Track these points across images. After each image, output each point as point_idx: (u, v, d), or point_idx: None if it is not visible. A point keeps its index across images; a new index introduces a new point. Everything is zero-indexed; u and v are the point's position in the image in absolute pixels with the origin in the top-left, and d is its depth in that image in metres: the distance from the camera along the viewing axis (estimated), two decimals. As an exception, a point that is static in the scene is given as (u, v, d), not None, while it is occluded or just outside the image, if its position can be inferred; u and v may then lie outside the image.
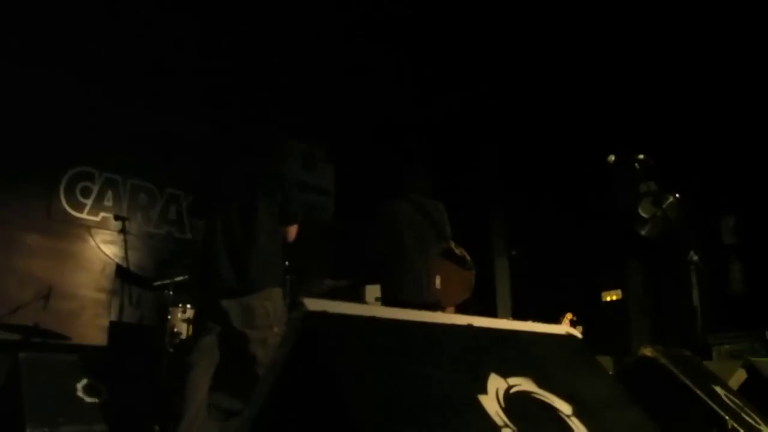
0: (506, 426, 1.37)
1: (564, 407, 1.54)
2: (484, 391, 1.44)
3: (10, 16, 5.92)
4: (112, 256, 6.71)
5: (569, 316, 5.92)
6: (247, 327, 3.58)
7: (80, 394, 4.58)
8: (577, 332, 1.86)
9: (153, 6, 6.10)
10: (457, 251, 4.64)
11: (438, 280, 4.51)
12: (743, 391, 2.87)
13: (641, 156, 4.77)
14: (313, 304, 1.40)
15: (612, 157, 4.77)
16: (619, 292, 7.42)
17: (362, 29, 6.67)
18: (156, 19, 6.28)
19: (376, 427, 1.19)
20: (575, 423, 1.51)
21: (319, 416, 1.28)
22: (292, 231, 3.95)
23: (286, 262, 6.28)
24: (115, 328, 6.09)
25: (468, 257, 4.67)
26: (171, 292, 5.80)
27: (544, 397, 1.54)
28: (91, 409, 4.35)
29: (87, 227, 6.72)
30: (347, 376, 1.29)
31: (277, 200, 3.82)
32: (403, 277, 4.54)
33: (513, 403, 1.45)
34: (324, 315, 1.40)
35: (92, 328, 6.38)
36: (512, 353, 1.65)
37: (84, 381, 4.58)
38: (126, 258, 6.30)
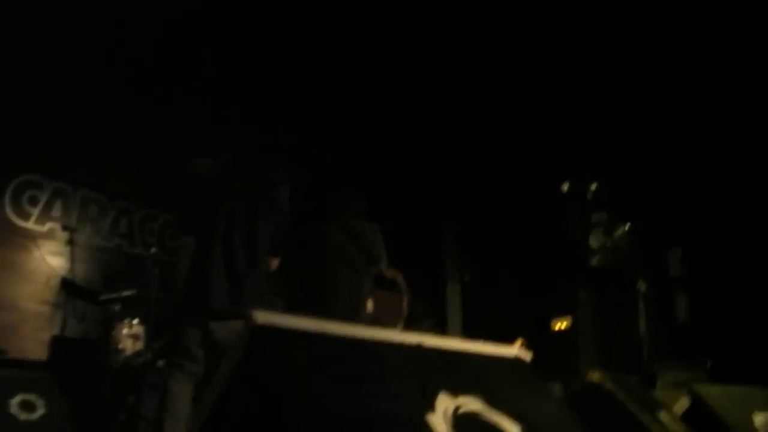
0: (453, 446, 1.36)
1: (512, 428, 1.54)
2: (433, 410, 1.43)
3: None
4: (58, 268, 6.51)
5: (521, 341, 5.97)
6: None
7: (13, 410, 4.41)
8: (526, 355, 1.87)
9: (106, 13, 6.02)
10: (388, 274, 4.64)
11: (370, 305, 4.50)
12: (687, 418, 2.92)
13: (594, 185, 4.88)
14: (262, 317, 1.37)
15: (566, 186, 4.87)
16: (568, 319, 7.52)
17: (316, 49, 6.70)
18: (111, 28, 6.19)
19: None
20: (522, 444, 1.51)
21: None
22: (275, 261, 3.95)
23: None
24: (56, 343, 5.88)
25: (400, 281, 4.65)
26: (118, 307, 5.67)
27: (492, 417, 1.54)
28: (25, 426, 4.19)
29: (32, 237, 6.51)
30: (294, 393, 1.27)
31: (272, 229, 3.85)
32: (333, 302, 4.52)
33: (461, 422, 1.44)
34: (272, 329, 1.37)
35: (32, 342, 6.15)
36: (462, 373, 1.64)
37: (19, 397, 4.42)
38: (72, 270, 6.12)
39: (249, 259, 3.70)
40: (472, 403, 1.53)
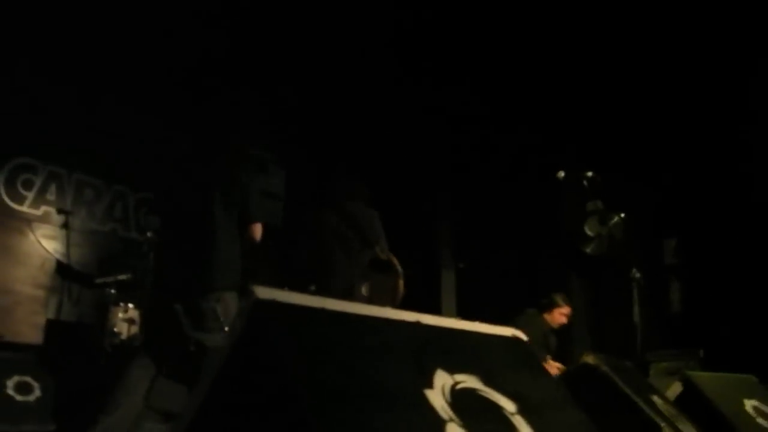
0: (452, 420, 1.38)
1: (508, 405, 1.56)
2: (431, 386, 1.44)
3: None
4: (53, 252, 6.50)
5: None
6: (197, 330, 3.48)
7: (10, 392, 4.43)
8: (523, 335, 1.88)
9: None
10: (383, 257, 4.65)
11: (365, 288, 4.52)
12: (679, 403, 2.95)
13: (590, 173, 4.88)
14: (263, 293, 1.38)
15: (562, 173, 4.87)
16: (563, 307, 7.55)
17: (312, 33, 6.68)
18: (114, 9, 6.16)
19: (326, 419, 1.19)
20: (519, 421, 1.53)
21: (268, 405, 1.26)
22: (256, 230, 3.75)
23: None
24: (52, 326, 5.88)
25: (396, 263, 4.67)
26: (113, 291, 5.67)
27: (489, 394, 1.56)
28: (22, 408, 4.21)
29: (27, 221, 6.50)
30: (298, 368, 1.28)
31: (237, 204, 3.70)
32: (328, 285, 4.54)
33: (459, 398, 1.46)
34: (274, 304, 1.38)
35: (27, 326, 6.15)
36: (459, 351, 1.66)
37: (15, 379, 4.43)
38: (67, 254, 6.12)
39: (204, 239, 3.57)
40: (469, 380, 1.55)
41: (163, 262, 3.69)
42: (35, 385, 4.37)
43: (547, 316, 6.31)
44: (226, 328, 3.40)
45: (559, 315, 6.29)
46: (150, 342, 3.64)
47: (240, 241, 3.70)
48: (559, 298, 6.36)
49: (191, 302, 3.49)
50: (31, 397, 4.22)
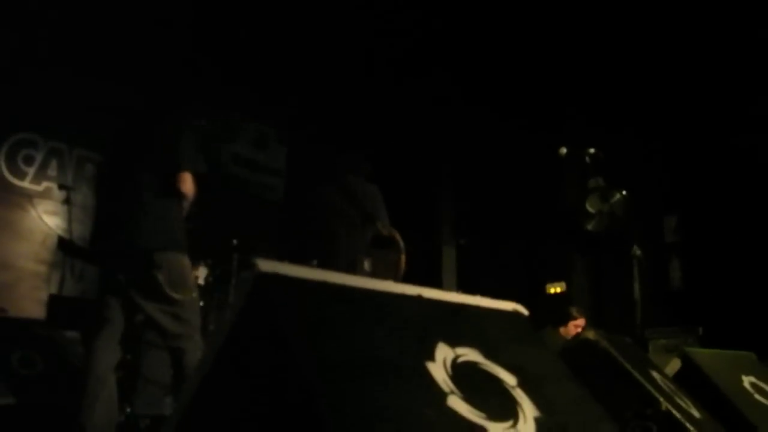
0: (453, 393, 1.39)
1: (509, 378, 1.57)
2: (432, 358, 1.45)
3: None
4: (55, 228, 6.51)
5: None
6: (144, 300, 3.36)
7: (14, 366, 4.46)
8: (523, 309, 1.89)
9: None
10: (385, 232, 4.64)
11: (367, 263, 4.52)
12: (677, 379, 2.97)
13: (591, 150, 4.86)
14: (265, 265, 1.39)
15: (564, 150, 4.85)
16: (563, 284, 7.59)
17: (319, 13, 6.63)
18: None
19: (330, 390, 1.20)
20: (519, 394, 1.54)
21: (272, 378, 1.27)
22: (185, 180, 3.39)
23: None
24: (54, 302, 5.91)
25: (398, 239, 4.66)
26: (115, 266, 5.68)
27: (490, 368, 1.57)
28: (26, 381, 4.23)
29: (28, 196, 6.50)
30: (300, 339, 1.28)
31: (163, 156, 3.44)
32: (332, 260, 4.53)
33: (460, 371, 1.47)
34: (276, 277, 1.39)
35: (30, 301, 6.18)
36: (460, 325, 1.67)
37: (19, 353, 4.46)
38: (69, 230, 6.13)
39: (130, 199, 3.39)
40: (470, 354, 1.56)
41: (98, 228, 3.55)
42: (39, 359, 4.39)
43: (562, 330, 6.16)
44: (173, 294, 3.30)
45: (574, 327, 6.12)
46: (103, 317, 3.43)
47: (172, 201, 3.46)
48: (573, 310, 6.24)
49: (133, 270, 3.34)
50: (35, 371, 4.24)
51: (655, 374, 2.59)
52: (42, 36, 6.39)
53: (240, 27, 6.90)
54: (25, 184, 6.53)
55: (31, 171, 6.57)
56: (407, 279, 4.47)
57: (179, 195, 3.42)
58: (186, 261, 3.45)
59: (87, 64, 6.68)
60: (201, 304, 5.65)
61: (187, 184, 3.39)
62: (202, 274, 5.90)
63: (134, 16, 6.48)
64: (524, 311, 1.89)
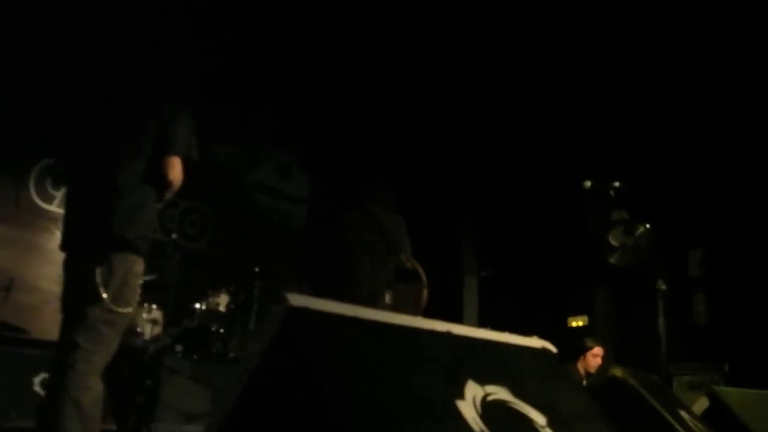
0: (483, 432, 1.37)
1: (539, 418, 1.55)
2: (462, 397, 1.44)
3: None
4: (79, 251, 6.57)
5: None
6: (75, 298, 2.94)
7: (36, 388, 4.48)
8: (551, 346, 1.87)
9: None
10: (408, 265, 4.61)
11: (388, 296, 4.49)
12: (705, 419, 2.92)
13: (616, 183, 4.83)
14: (296, 300, 1.39)
15: (587, 183, 4.83)
16: (585, 318, 7.50)
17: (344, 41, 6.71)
18: (135, 14, 6.23)
19: (360, 430, 1.19)
20: (549, 434, 1.52)
21: (300, 413, 1.27)
22: (174, 166, 2.99)
23: (256, 269, 6.27)
24: (77, 325, 5.95)
25: (421, 272, 4.62)
26: (137, 291, 5.71)
27: (519, 406, 1.55)
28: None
29: (55, 220, 6.58)
30: (330, 376, 1.28)
31: (149, 134, 2.99)
32: (354, 291, 4.50)
33: (490, 410, 1.45)
34: (306, 312, 1.39)
35: (54, 323, 6.12)
36: (489, 362, 1.66)
37: (42, 375, 4.49)
38: (93, 254, 6.16)
39: (100, 190, 2.94)
40: (500, 392, 1.54)
41: (66, 219, 3.10)
42: (61, 382, 4.41)
43: (580, 365, 6.06)
44: (104, 295, 2.81)
45: (593, 357, 6.04)
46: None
47: (147, 193, 3.01)
48: (588, 341, 6.15)
49: (70, 257, 2.98)
50: (57, 395, 4.26)
51: (683, 413, 2.54)
52: (68, 65, 6.52)
53: (265, 56, 6.99)
54: (53, 207, 6.63)
55: (58, 195, 6.67)
56: (428, 310, 4.45)
57: (165, 182, 2.99)
58: (140, 268, 3.00)
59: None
60: (221, 331, 5.70)
61: (176, 170, 2.99)
62: (223, 301, 5.93)
63: (159, 44, 6.60)
64: (553, 348, 1.87)
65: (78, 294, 2.89)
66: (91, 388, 2.76)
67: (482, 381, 1.52)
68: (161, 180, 2.97)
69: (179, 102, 3.15)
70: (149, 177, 2.96)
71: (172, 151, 2.97)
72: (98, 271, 2.81)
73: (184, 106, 3.14)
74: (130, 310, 2.93)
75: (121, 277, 2.86)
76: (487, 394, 1.50)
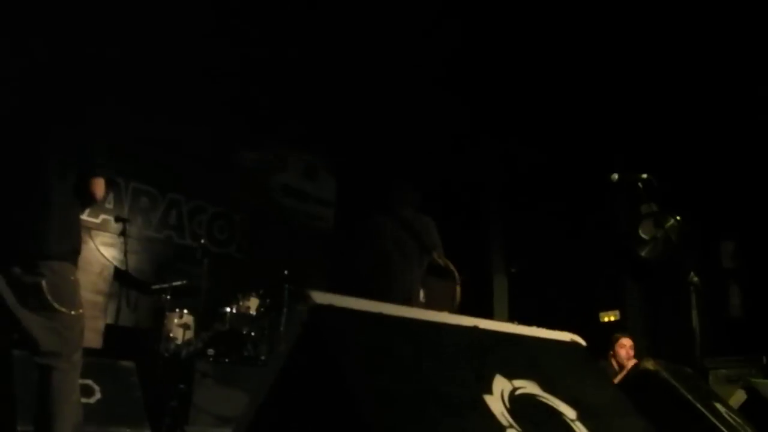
0: (511, 427, 1.36)
1: (568, 411, 1.53)
2: (490, 391, 1.43)
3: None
4: (111, 259, 6.67)
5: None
6: (21, 307, 2.99)
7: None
8: (580, 339, 1.85)
9: (159, 10, 6.13)
10: (441, 263, 4.60)
11: (422, 294, 4.48)
12: (743, 412, 2.86)
13: (644, 176, 4.76)
14: (320, 297, 1.39)
15: (615, 176, 4.76)
16: (617, 312, 7.40)
17: (367, 43, 6.72)
18: (163, 24, 6.31)
19: (387, 424, 1.18)
20: (579, 427, 1.50)
21: (327, 409, 1.27)
22: (98, 185, 3.23)
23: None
24: (110, 331, 6.05)
25: (453, 270, 4.61)
26: (168, 297, 5.78)
27: (548, 400, 1.53)
28: (84, 409, 4.31)
29: (86, 228, 6.67)
30: (357, 372, 1.28)
31: (75, 167, 3.20)
32: (388, 291, 4.49)
33: (518, 404, 1.44)
34: (331, 309, 1.39)
35: (88, 331, 6.16)
36: (517, 356, 1.64)
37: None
38: (125, 261, 6.26)
39: (28, 203, 3.09)
40: (528, 386, 1.53)
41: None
42: (96, 387, 4.48)
43: (613, 359, 5.90)
44: (56, 305, 2.98)
45: (621, 349, 5.84)
46: None
47: (77, 208, 3.26)
48: (615, 334, 6.01)
49: (15, 274, 3.00)
50: (92, 399, 4.32)
51: (719, 406, 2.49)
52: (100, 74, 6.61)
53: (290, 60, 7.02)
54: (84, 216, 6.70)
55: (89, 203, 6.77)
56: (460, 308, 4.44)
57: (91, 199, 3.27)
58: (76, 276, 3.19)
59: (143, 102, 6.89)
60: (252, 334, 5.74)
61: (100, 188, 3.25)
62: (253, 304, 5.96)
63: (187, 52, 6.67)
64: (582, 342, 1.85)
65: (32, 307, 3.02)
66: (76, 388, 3.07)
67: (510, 375, 1.51)
68: (88, 198, 3.25)
69: (94, 120, 3.53)
70: (77, 195, 3.22)
71: (95, 173, 3.24)
72: (44, 284, 3.00)
73: (97, 125, 3.52)
74: (82, 310, 3.18)
75: (66, 285, 3.07)
76: (515, 389, 1.48)
